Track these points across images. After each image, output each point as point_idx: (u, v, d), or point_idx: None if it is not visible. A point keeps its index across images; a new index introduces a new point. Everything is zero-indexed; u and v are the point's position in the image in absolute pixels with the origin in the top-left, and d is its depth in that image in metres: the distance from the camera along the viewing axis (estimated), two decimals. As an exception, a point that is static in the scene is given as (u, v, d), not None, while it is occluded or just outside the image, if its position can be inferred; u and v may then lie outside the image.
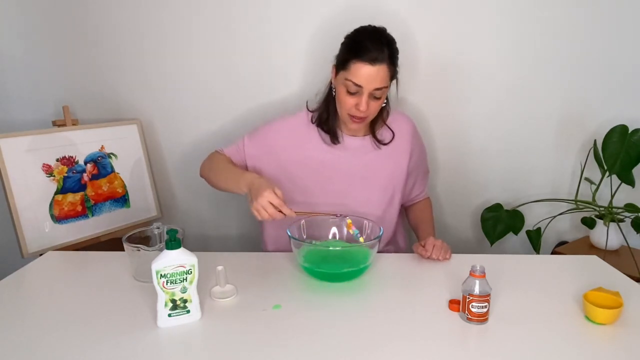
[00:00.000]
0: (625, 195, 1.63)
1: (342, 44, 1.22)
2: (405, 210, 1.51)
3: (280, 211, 1.06)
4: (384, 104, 1.27)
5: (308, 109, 1.34)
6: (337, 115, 1.27)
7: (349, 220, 1.16)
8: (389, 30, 1.20)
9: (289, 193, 1.28)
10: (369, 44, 1.14)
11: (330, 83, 1.27)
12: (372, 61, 1.13)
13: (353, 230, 1.15)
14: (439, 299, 0.99)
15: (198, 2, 1.62)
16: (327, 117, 1.29)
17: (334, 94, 1.25)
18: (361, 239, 1.14)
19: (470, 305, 0.89)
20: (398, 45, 1.20)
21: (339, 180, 1.31)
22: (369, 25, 1.20)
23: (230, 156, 1.35)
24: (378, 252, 1.11)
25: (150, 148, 1.77)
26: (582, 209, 1.65)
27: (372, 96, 1.17)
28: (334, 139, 1.30)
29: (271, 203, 1.04)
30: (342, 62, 1.18)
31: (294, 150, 1.31)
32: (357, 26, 1.22)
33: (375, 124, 1.31)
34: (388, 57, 1.15)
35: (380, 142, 1.32)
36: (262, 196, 1.05)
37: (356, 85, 1.15)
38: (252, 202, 1.07)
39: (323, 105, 1.30)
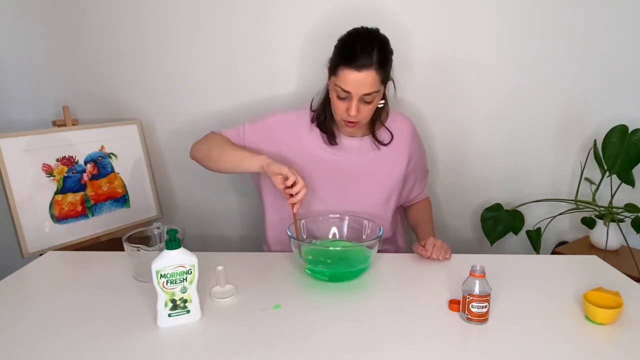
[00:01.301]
0: (625, 195, 1.63)
1: (334, 47, 1.21)
2: (404, 210, 1.51)
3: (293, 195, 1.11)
4: (382, 105, 1.27)
5: (311, 109, 1.34)
6: (334, 117, 1.28)
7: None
8: (387, 30, 1.19)
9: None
10: (358, 50, 1.12)
11: (327, 85, 1.28)
12: (359, 68, 1.12)
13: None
14: (439, 299, 0.99)
15: (198, 2, 1.62)
16: (324, 119, 1.29)
17: (330, 96, 1.25)
18: None
19: (470, 305, 0.89)
20: (397, 45, 1.20)
21: (335, 179, 1.31)
22: (361, 28, 1.19)
23: (230, 139, 1.33)
24: (377, 251, 1.11)
25: (150, 148, 1.77)
26: (582, 209, 1.65)
27: (363, 101, 1.17)
28: (332, 139, 1.30)
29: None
30: (333, 67, 1.18)
31: (294, 144, 1.32)
32: (357, 25, 1.21)
33: (375, 124, 1.31)
34: (377, 62, 1.13)
35: (378, 141, 1.32)
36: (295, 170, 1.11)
37: (345, 91, 1.15)
38: (281, 166, 1.10)
39: (321, 106, 1.31)
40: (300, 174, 1.12)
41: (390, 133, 1.33)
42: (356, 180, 1.31)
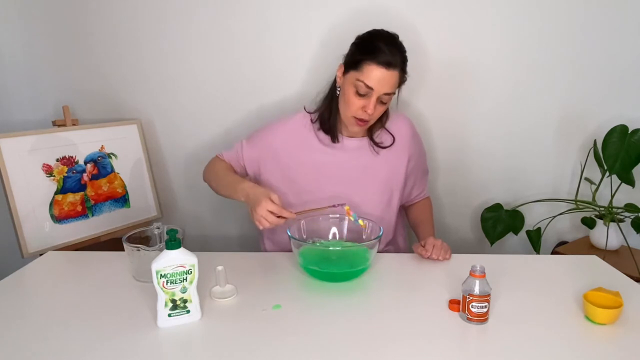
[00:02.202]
0: (625, 195, 1.63)
1: (354, 44, 1.21)
2: (404, 210, 1.51)
3: (280, 216, 1.07)
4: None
5: (306, 111, 1.34)
6: (338, 115, 1.27)
7: (346, 207, 1.15)
8: (394, 30, 1.21)
9: (288, 195, 1.29)
10: (385, 48, 1.14)
11: (334, 82, 1.27)
12: (387, 65, 1.13)
13: (352, 216, 1.14)
14: (439, 299, 0.99)
15: (198, 2, 1.62)
16: (328, 117, 1.29)
17: (338, 92, 1.25)
18: (360, 222, 1.14)
19: (470, 305, 0.89)
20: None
21: (336, 182, 1.30)
22: (383, 30, 1.20)
23: (230, 161, 1.36)
24: (378, 252, 1.11)
25: (150, 148, 1.77)
26: (582, 209, 1.65)
27: (380, 100, 1.18)
28: (334, 138, 1.29)
29: (270, 211, 1.06)
30: (355, 62, 1.17)
31: (293, 151, 1.31)
32: (358, 29, 1.22)
33: (374, 127, 1.31)
34: (400, 63, 1.16)
35: (378, 146, 1.31)
36: (260, 206, 1.06)
37: (367, 87, 1.15)
38: (252, 213, 1.09)
39: (325, 104, 1.30)
40: (275, 197, 1.09)
41: (392, 135, 1.33)
42: (357, 181, 1.31)
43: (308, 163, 1.30)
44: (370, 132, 1.32)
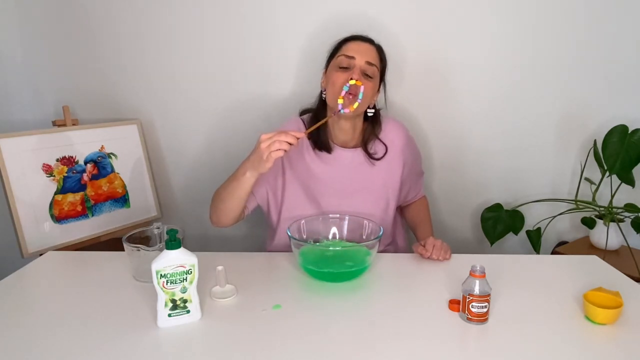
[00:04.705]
0: (625, 195, 1.63)
1: (334, 46, 1.27)
2: (402, 210, 1.50)
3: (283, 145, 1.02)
4: (373, 112, 1.27)
5: (301, 119, 1.34)
6: (327, 126, 1.27)
7: (353, 82, 1.15)
8: (382, 33, 1.24)
9: (284, 209, 1.29)
10: (360, 35, 1.25)
11: (320, 95, 1.28)
12: (363, 40, 1.23)
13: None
14: (439, 299, 0.99)
15: (198, 3, 1.62)
16: (317, 128, 1.28)
17: (323, 97, 1.25)
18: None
19: (470, 305, 0.89)
20: (393, 44, 1.21)
21: (332, 193, 1.29)
22: None
23: None
24: (378, 252, 1.11)
25: (150, 148, 1.77)
26: (582, 209, 1.65)
27: (364, 73, 1.19)
28: (327, 148, 1.28)
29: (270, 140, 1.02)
30: (334, 50, 1.25)
31: (288, 168, 1.30)
32: (350, 30, 1.26)
33: (367, 138, 1.30)
34: (377, 46, 1.24)
35: (372, 157, 1.30)
36: (258, 148, 1.04)
37: (348, 57, 1.19)
38: (260, 163, 1.05)
39: (313, 116, 1.30)
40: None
41: (384, 145, 1.32)
42: (352, 192, 1.30)
43: (302, 176, 1.29)
44: (364, 144, 1.31)
